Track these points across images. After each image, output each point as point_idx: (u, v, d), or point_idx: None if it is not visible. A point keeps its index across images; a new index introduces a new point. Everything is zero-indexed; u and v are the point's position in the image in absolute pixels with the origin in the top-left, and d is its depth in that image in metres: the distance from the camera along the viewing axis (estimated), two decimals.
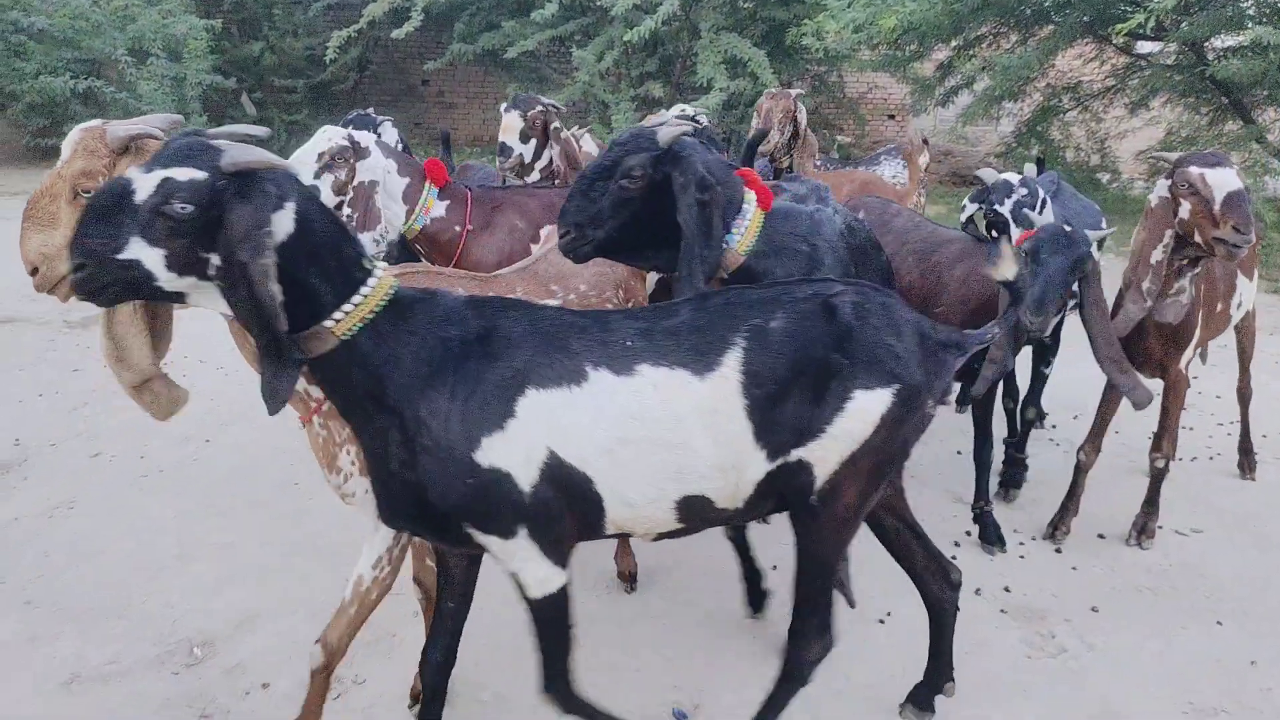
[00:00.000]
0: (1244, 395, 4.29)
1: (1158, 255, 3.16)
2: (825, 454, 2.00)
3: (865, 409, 1.98)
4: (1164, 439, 3.55)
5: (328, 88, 13.36)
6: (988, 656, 2.94)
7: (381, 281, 1.88)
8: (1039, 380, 4.21)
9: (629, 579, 3.27)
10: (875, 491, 2.13)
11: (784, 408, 1.95)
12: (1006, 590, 3.30)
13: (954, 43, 10.31)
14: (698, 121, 5.36)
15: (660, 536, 2.11)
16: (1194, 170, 3.01)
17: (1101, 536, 3.69)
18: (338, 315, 1.83)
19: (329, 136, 3.45)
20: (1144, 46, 10.39)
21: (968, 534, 3.66)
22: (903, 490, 2.50)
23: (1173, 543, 3.67)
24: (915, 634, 3.05)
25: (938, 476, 4.12)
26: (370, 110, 4.86)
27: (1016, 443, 4.07)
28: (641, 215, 2.58)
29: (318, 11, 13.10)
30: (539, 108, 4.29)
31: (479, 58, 11.88)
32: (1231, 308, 3.63)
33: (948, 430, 4.49)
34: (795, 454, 1.99)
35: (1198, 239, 3.05)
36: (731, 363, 1.93)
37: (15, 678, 2.71)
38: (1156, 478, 3.61)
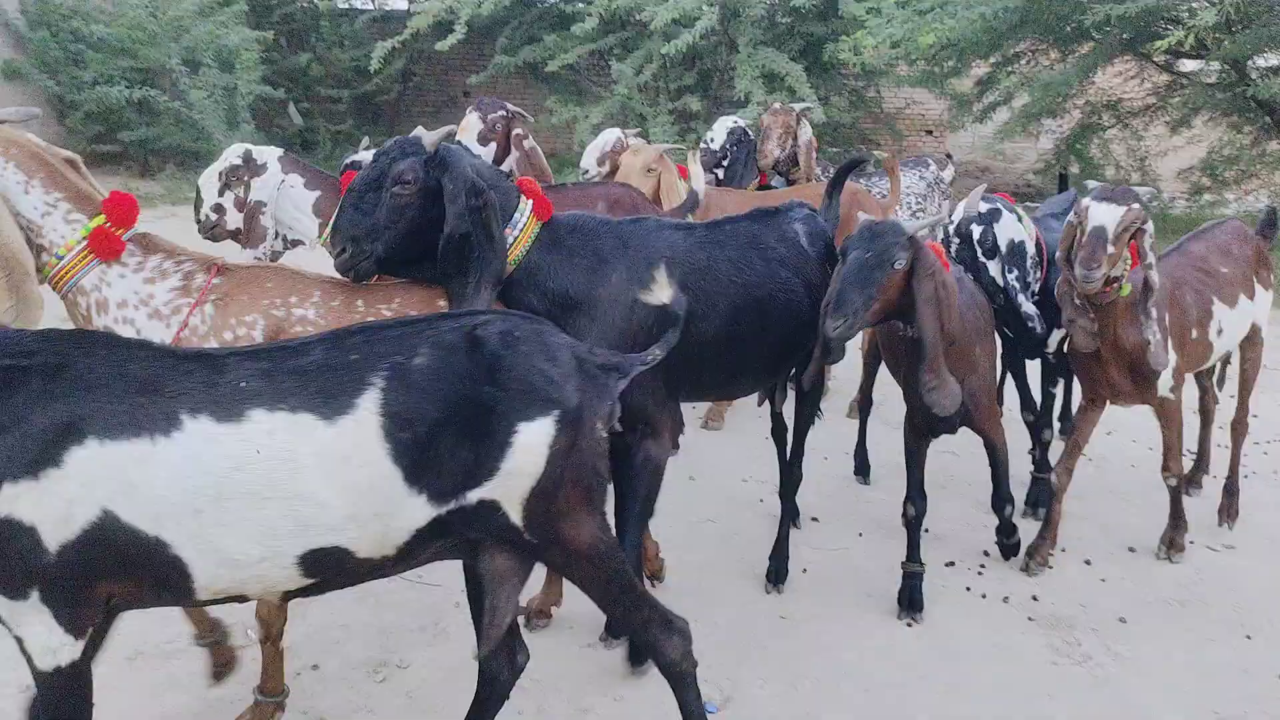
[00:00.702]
0: (1237, 430, 4.00)
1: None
2: (509, 492, 1.90)
3: (531, 442, 1.88)
4: (1169, 460, 3.54)
5: (372, 98, 13.64)
6: (1012, 661, 2.99)
7: None
8: (1048, 400, 4.20)
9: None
10: (597, 515, 2.05)
11: (440, 449, 1.83)
12: (1034, 599, 3.35)
13: (992, 59, 10.35)
14: (747, 133, 5.47)
15: (291, 595, 1.95)
16: (1085, 201, 3.04)
17: (1132, 550, 3.72)
18: None
19: (227, 155, 3.65)
20: (1186, 65, 10.36)
21: (997, 543, 3.71)
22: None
23: (1203, 557, 3.69)
24: (947, 636, 3.12)
25: (967, 488, 4.17)
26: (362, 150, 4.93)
27: (1038, 462, 4.06)
28: (419, 223, 2.48)
29: (364, 24, 13.40)
30: (501, 112, 4.24)
31: (519, 70, 12.10)
32: (1210, 334, 3.53)
33: (977, 444, 4.53)
34: (474, 495, 1.88)
35: None
36: (369, 405, 1.80)
37: None
38: (1173, 496, 3.61)
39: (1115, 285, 3.09)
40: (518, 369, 1.90)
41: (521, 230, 2.61)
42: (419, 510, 1.85)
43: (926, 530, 3.74)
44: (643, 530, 2.94)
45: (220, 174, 3.78)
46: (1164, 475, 3.57)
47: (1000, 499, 3.50)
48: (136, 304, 2.34)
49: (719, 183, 5.28)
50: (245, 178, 3.74)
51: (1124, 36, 9.21)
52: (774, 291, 2.89)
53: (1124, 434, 4.78)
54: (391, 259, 2.49)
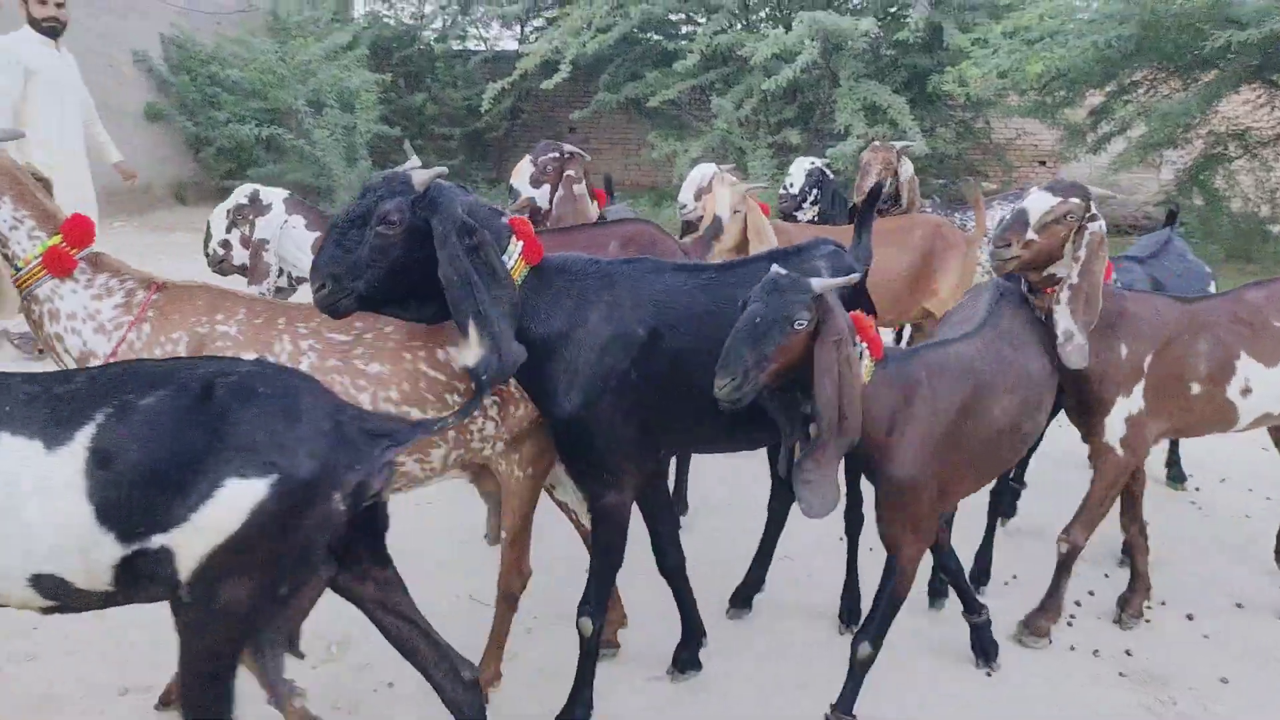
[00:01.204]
0: None
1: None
2: (188, 543, 1.85)
3: (235, 499, 1.82)
4: (1076, 522, 3.14)
5: (482, 135, 14.15)
6: (1100, 718, 2.85)
7: None
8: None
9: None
10: (271, 591, 1.94)
11: (137, 490, 1.83)
12: (1128, 654, 3.18)
13: (1107, 88, 9.98)
14: (825, 173, 5.46)
15: (50, 611, 1.97)
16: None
17: (1239, 605, 3.49)
18: None
19: (235, 195, 3.81)
20: None
21: (1090, 594, 3.54)
22: (400, 585, 2.32)
23: None
24: (1029, 689, 2.99)
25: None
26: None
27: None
28: (404, 263, 2.40)
29: (476, 65, 13.97)
30: (553, 154, 4.18)
31: (622, 106, 12.35)
32: (1229, 392, 3.06)
33: (1066, 486, 4.34)
34: (156, 540, 1.85)
35: None
36: (82, 438, 1.84)
37: None
38: (1060, 564, 3.18)
39: (1054, 285, 2.87)
40: (243, 424, 1.86)
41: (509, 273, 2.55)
42: (110, 548, 1.85)
43: (1015, 577, 3.63)
44: (609, 586, 2.77)
45: (228, 212, 4.01)
46: (1059, 539, 3.17)
47: (861, 635, 2.70)
48: (84, 318, 2.50)
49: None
50: (250, 216, 3.95)
51: (1251, 64, 8.75)
52: None
53: (1238, 481, 4.50)
54: (373, 298, 2.44)
